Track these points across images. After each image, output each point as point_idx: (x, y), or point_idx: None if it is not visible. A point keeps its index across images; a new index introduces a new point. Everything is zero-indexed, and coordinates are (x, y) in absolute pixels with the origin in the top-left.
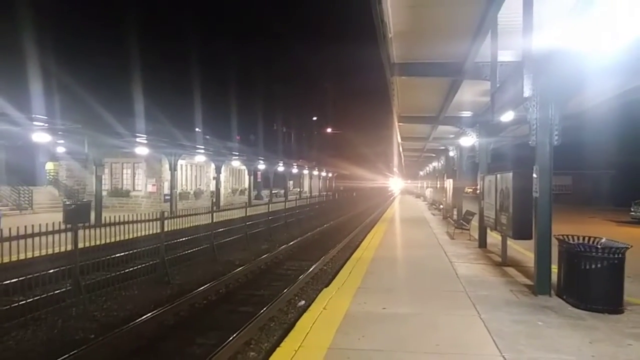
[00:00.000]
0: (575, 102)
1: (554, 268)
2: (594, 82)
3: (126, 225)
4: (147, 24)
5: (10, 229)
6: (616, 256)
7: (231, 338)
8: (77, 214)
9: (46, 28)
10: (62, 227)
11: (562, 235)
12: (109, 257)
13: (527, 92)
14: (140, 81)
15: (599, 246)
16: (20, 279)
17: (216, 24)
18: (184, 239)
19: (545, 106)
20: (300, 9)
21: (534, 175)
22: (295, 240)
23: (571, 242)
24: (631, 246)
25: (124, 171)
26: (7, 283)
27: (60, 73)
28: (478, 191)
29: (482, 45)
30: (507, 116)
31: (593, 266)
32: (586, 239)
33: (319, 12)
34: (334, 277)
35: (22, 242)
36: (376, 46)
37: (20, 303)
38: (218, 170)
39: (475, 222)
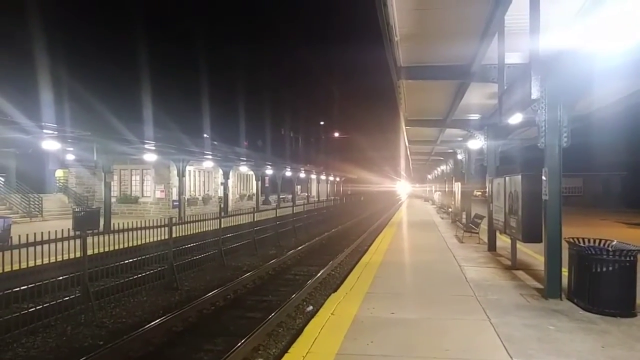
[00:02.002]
0: (584, 103)
1: (565, 271)
2: (603, 83)
3: (135, 232)
4: (155, 31)
5: (20, 236)
6: (628, 259)
7: (239, 344)
8: (87, 220)
9: (56, 36)
10: (72, 234)
11: (573, 238)
12: (117, 263)
13: (535, 94)
14: (148, 88)
15: (610, 249)
16: (29, 286)
17: (224, 30)
18: (192, 244)
19: (553, 108)
20: (306, 14)
21: (543, 178)
22: (303, 245)
23: (582, 244)
24: None
25: (133, 178)
26: (17, 290)
27: (69, 81)
28: (487, 194)
29: (489, 47)
30: (515, 118)
31: (604, 269)
32: (597, 241)
33: (325, 17)
34: (342, 282)
35: (31, 249)
36: (383, 49)
37: (30, 310)
38: (226, 175)
39: (484, 226)
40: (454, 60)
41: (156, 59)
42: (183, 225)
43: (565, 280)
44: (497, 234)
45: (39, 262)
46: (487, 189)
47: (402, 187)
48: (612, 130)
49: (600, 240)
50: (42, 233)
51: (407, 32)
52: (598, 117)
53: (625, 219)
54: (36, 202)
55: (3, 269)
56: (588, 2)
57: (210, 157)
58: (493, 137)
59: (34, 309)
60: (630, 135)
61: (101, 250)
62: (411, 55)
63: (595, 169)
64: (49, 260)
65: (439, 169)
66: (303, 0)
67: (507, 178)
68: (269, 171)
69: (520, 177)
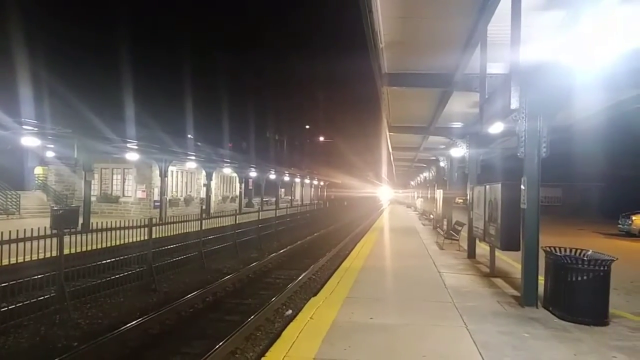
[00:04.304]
0: (564, 114)
1: (541, 279)
2: (583, 95)
3: (114, 232)
4: (140, 30)
5: None
6: (602, 268)
7: (216, 347)
8: (65, 219)
9: (37, 32)
10: (49, 232)
11: (549, 247)
12: (95, 263)
13: (514, 104)
14: (132, 87)
15: (585, 258)
16: (2, 285)
17: (209, 32)
18: (172, 246)
19: (533, 118)
20: (293, 18)
21: (522, 187)
22: (284, 249)
23: (558, 253)
24: (617, 258)
25: (114, 177)
26: None
27: (50, 77)
28: (468, 202)
29: (471, 57)
30: (496, 127)
31: (579, 278)
32: (573, 250)
33: (311, 21)
34: (322, 287)
35: (6, 247)
36: (368, 56)
37: (2, 309)
38: (209, 177)
39: (464, 233)
40: (438, 68)
41: (141, 59)
42: (163, 226)
43: (541, 289)
44: (477, 241)
45: (13, 260)
46: (468, 197)
47: (385, 192)
48: (591, 142)
49: (576, 249)
50: (17, 231)
51: (392, 39)
52: (578, 129)
53: (601, 230)
54: (14, 199)
55: None
56: (567, 17)
57: (193, 157)
58: (475, 146)
59: (6, 308)
60: (609, 147)
61: (79, 249)
62: (395, 62)
63: (574, 179)
64: (24, 258)
65: (421, 175)
66: (289, 5)
67: (487, 186)
68: (253, 173)
69: (500, 185)
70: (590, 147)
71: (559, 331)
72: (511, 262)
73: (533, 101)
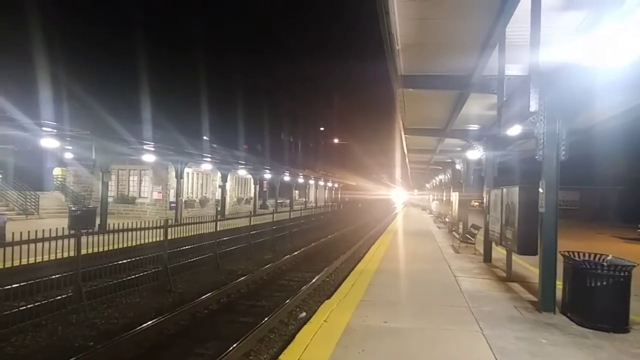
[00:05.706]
0: (583, 116)
1: (559, 284)
2: (603, 97)
3: (130, 232)
4: (155, 32)
5: (13, 233)
6: (622, 274)
7: (230, 349)
8: (83, 219)
9: (55, 35)
10: (67, 232)
11: (568, 252)
12: (111, 264)
13: (533, 107)
14: (148, 89)
15: (605, 263)
16: (21, 284)
17: (225, 34)
18: (187, 247)
19: (552, 121)
20: (308, 20)
21: (540, 190)
22: (299, 251)
23: (577, 258)
24: (638, 264)
25: (131, 178)
26: (9, 288)
27: (69, 79)
28: (484, 205)
29: (489, 58)
30: (514, 130)
31: (599, 284)
32: (592, 255)
33: (328, 23)
34: (336, 289)
35: (25, 247)
36: (383, 58)
37: (21, 308)
38: (224, 178)
39: (480, 236)
40: (455, 70)
41: (157, 61)
42: (179, 228)
43: (559, 294)
44: (493, 245)
45: (32, 260)
46: (484, 200)
47: (400, 195)
48: (611, 145)
49: (596, 254)
50: (35, 231)
51: (408, 41)
52: (597, 131)
53: (621, 234)
54: (33, 200)
55: None
56: (588, 18)
57: (209, 159)
58: (492, 148)
59: (25, 307)
60: (629, 150)
61: (96, 250)
62: (412, 64)
63: (593, 182)
64: (43, 258)
65: (437, 178)
66: (305, 6)
67: (504, 189)
68: (267, 175)
69: (517, 188)
70: (609, 150)
71: (578, 337)
72: (528, 266)
73: (552, 103)
